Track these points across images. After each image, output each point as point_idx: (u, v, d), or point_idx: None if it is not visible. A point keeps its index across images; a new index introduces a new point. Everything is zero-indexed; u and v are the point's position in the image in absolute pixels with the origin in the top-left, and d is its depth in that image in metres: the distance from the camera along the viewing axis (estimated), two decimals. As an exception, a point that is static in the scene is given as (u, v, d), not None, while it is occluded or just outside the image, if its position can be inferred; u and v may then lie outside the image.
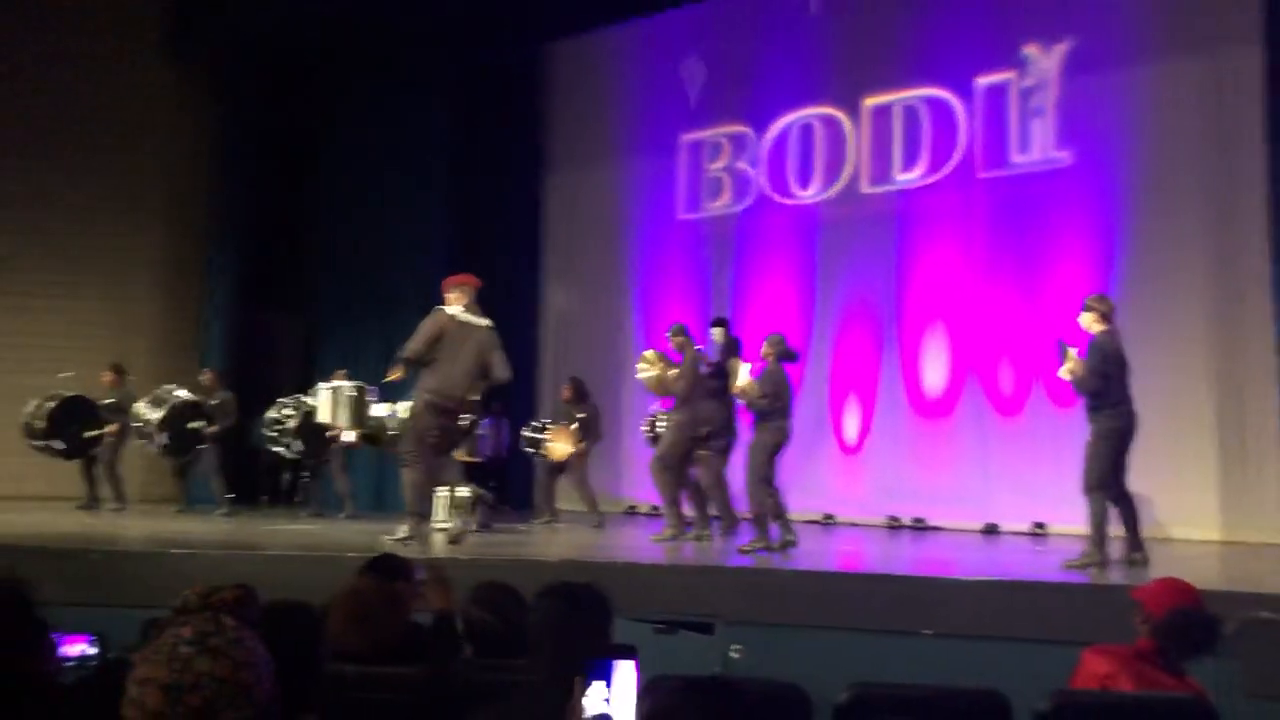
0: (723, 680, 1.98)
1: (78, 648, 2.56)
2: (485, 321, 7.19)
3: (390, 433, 9.40)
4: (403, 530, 6.93)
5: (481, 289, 7.38)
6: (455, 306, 7.10)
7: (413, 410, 7.21)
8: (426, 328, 7.01)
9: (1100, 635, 3.35)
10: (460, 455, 9.95)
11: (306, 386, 12.08)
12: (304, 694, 2.17)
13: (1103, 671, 3.07)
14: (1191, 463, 8.79)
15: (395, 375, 7.42)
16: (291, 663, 2.11)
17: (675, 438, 7.86)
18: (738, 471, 7.70)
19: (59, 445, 9.51)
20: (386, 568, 3.31)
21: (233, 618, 1.88)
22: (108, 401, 9.83)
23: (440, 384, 6.97)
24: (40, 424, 9.46)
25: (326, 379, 10.14)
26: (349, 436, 9.73)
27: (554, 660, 2.44)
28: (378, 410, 9.42)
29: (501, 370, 7.22)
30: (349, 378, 10.50)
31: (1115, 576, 5.67)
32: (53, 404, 9.52)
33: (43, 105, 12.15)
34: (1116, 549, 6.16)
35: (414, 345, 6.95)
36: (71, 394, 9.72)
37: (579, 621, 2.52)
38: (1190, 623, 3.14)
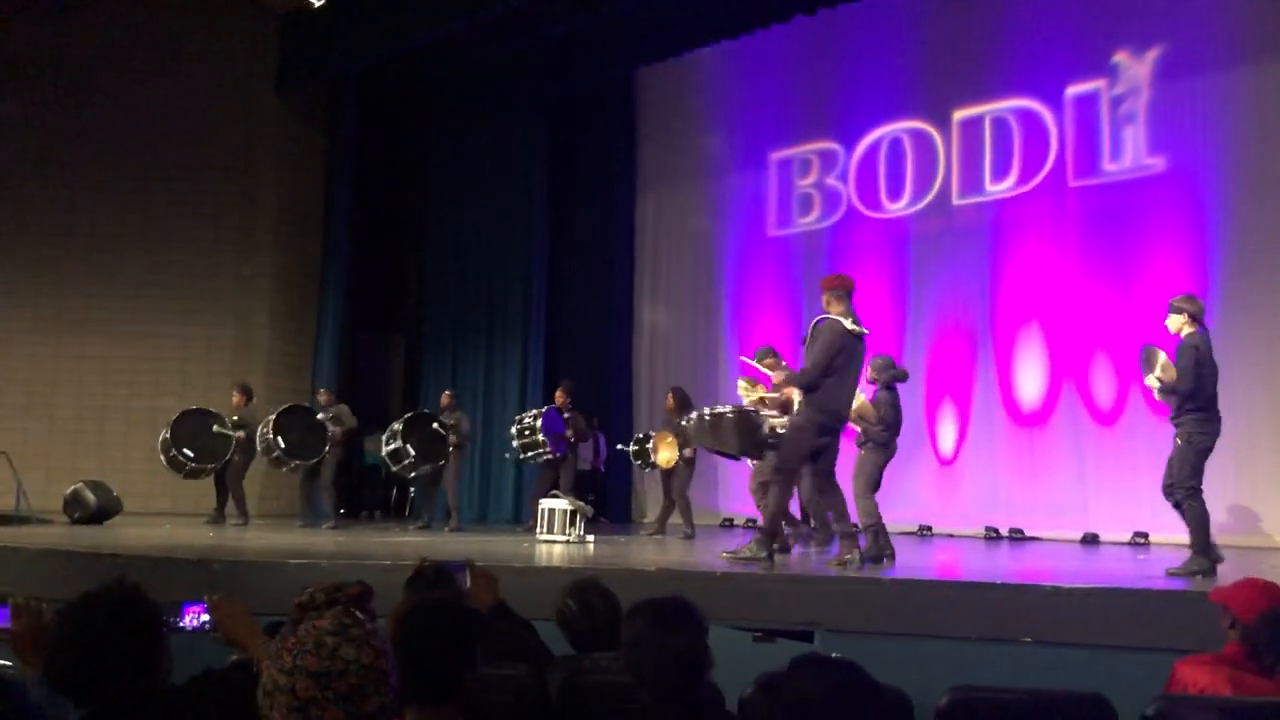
0: (851, 664, 2.13)
1: (196, 618, 2.70)
2: (864, 330, 6.53)
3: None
4: (747, 550, 6.41)
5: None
6: (843, 317, 6.38)
7: (796, 426, 6.49)
8: (828, 346, 6.28)
9: (1207, 642, 3.35)
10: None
11: (412, 406, 12.51)
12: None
13: (1199, 685, 3.01)
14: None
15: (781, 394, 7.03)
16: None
17: (796, 438, 6.63)
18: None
19: (189, 454, 10.03)
20: (427, 579, 3.26)
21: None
22: (235, 419, 10.33)
23: (834, 404, 6.37)
24: (172, 438, 10.00)
25: (432, 399, 10.28)
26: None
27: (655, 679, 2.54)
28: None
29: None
30: (453, 398, 10.85)
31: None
32: (187, 421, 10.08)
33: (162, 140, 12.71)
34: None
35: (817, 369, 6.28)
36: (200, 409, 10.29)
37: (672, 639, 2.56)
38: None
